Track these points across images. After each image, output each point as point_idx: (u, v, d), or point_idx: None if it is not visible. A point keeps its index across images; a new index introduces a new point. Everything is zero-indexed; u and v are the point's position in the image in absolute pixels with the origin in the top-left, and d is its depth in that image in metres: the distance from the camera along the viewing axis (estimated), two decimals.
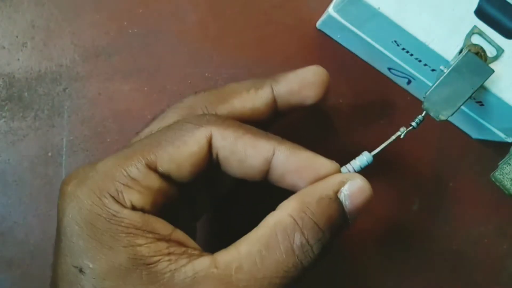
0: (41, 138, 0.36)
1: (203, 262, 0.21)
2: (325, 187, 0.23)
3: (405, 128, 0.27)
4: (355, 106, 0.37)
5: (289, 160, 0.23)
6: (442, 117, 0.28)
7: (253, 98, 0.26)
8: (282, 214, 0.22)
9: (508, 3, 0.29)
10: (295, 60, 0.37)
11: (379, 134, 0.37)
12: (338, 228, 0.23)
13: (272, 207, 0.23)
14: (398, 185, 0.38)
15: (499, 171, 0.37)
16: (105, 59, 0.36)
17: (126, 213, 0.21)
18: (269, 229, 0.22)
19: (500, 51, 0.28)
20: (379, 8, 0.28)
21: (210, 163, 0.24)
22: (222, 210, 0.36)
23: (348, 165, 0.25)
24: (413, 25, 0.28)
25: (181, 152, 0.23)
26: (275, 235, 0.21)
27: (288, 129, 0.37)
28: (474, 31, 0.28)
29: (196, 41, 0.36)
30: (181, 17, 0.36)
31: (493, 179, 0.38)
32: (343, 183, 0.23)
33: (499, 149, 0.38)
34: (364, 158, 0.26)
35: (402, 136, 0.28)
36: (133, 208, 0.21)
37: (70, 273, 0.20)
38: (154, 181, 0.22)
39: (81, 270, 0.20)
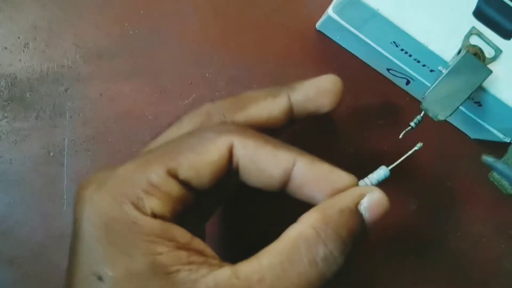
0: (43, 138, 0.36)
1: (224, 273, 0.21)
2: (346, 200, 0.23)
3: (421, 144, 0.27)
4: (354, 106, 0.38)
5: (309, 172, 0.23)
6: (441, 117, 0.28)
7: (270, 106, 0.26)
8: (304, 226, 0.22)
9: (506, 4, 0.29)
10: (295, 60, 0.37)
11: (378, 134, 0.38)
12: (359, 240, 0.23)
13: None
14: (396, 185, 0.38)
15: None
16: (106, 60, 0.36)
17: (147, 220, 0.20)
18: (291, 241, 0.22)
19: (498, 52, 0.29)
20: (378, 9, 0.28)
21: (229, 172, 0.24)
22: (227, 210, 0.36)
23: (366, 179, 0.26)
24: (412, 26, 0.28)
25: (202, 159, 0.22)
26: (297, 248, 0.21)
27: (288, 129, 0.37)
28: (472, 32, 0.28)
29: (197, 42, 0.37)
30: (182, 18, 0.37)
31: (492, 179, 0.38)
32: (362, 196, 0.23)
33: (497, 149, 0.38)
34: (381, 172, 0.26)
35: (401, 137, 0.28)
36: (153, 215, 0.21)
37: (88, 280, 0.20)
38: (174, 188, 0.22)
39: (100, 278, 0.20)
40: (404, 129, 0.28)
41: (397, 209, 0.38)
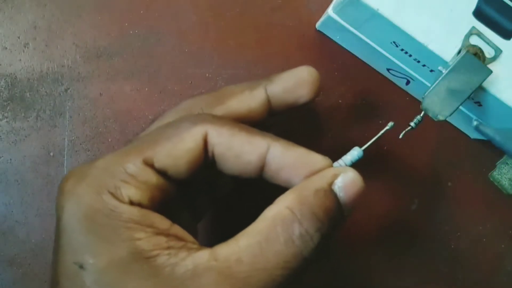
0: (43, 138, 0.36)
1: (203, 255, 0.21)
2: (320, 181, 0.23)
3: (393, 123, 0.27)
4: (354, 106, 0.38)
5: (284, 156, 0.24)
6: (441, 117, 0.28)
7: (248, 99, 0.27)
8: (280, 207, 0.23)
9: (506, 4, 0.29)
10: (295, 60, 0.37)
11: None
12: (336, 219, 0.23)
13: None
14: (397, 185, 0.38)
15: (497, 170, 0.37)
16: (106, 59, 0.36)
17: (125, 208, 0.21)
18: (267, 222, 0.22)
19: (498, 52, 0.29)
20: (378, 9, 0.28)
21: (206, 161, 0.24)
22: (221, 212, 0.36)
23: (340, 160, 0.26)
24: (412, 26, 0.28)
25: (177, 148, 0.23)
26: (274, 227, 0.22)
27: (288, 130, 0.37)
28: (472, 32, 0.28)
29: (196, 41, 0.37)
30: (181, 18, 0.37)
31: (491, 179, 0.38)
32: (336, 176, 0.24)
33: (497, 149, 0.38)
34: (355, 153, 0.26)
35: (401, 137, 0.28)
36: (131, 203, 0.21)
37: (70, 269, 0.20)
38: (151, 177, 0.22)
39: (81, 266, 0.20)
40: (404, 129, 0.28)
41: (397, 208, 0.38)
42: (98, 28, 0.36)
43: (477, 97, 0.30)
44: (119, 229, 0.21)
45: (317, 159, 0.24)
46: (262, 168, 0.24)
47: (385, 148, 0.38)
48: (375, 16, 0.29)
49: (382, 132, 0.27)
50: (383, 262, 0.38)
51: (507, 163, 0.37)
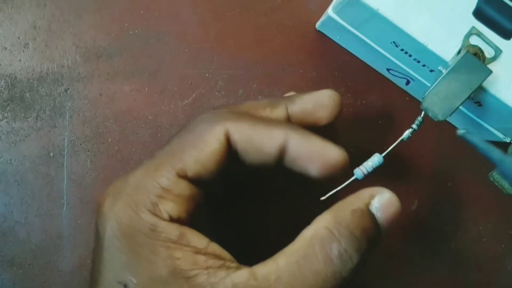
0: (43, 138, 0.36)
1: (242, 275, 0.21)
2: (357, 201, 0.23)
3: (410, 131, 0.27)
4: (354, 106, 0.38)
5: (302, 146, 0.24)
6: (441, 117, 0.28)
7: (269, 116, 0.27)
8: (318, 226, 0.22)
9: (506, 4, 0.29)
10: (295, 61, 0.37)
11: (379, 134, 0.38)
12: (373, 240, 0.23)
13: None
14: (397, 184, 0.38)
15: (497, 170, 0.37)
16: (106, 59, 0.36)
17: (164, 226, 0.21)
18: (306, 241, 0.22)
19: (498, 51, 0.29)
20: (378, 9, 0.28)
21: (230, 157, 0.24)
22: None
23: (361, 167, 0.26)
24: (411, 26, 0.28)
25: (204, 153, 0.23)
26: (312, 246, 0.22)
27: None
28: (472, 32, 0.28)
29: (196, 42, 0.37)
30: (181, 18, 0.37)
31: (492, 179, 0.38)
32: (372, 196, 0.24)
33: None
34: (375, 159, 0.26)
35: (405, 139, 0.28)
36: (170, 219, 0.22)
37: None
38: (185, 188, 0.23)
39: (125, 286, 0.21)
40: (405, 130, 0.28)
41: None
42: (98, 28, 0.36)
43: (477, 97, 0.30)
44: (158, 248, 0.21)
45: (333, 152, 0.25)
46: (282, 157, 0.25)
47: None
48: (375, 16, 0.29)
49: (400, 138, 0.27)
50: (382, 262, 0.38)
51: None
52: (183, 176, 0.23)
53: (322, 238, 0.22)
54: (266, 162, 0.25)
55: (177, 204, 0.22)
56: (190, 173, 0.23)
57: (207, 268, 0.21)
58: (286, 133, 0.24)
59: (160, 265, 0.21)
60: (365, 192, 0.24)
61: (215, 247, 0.22)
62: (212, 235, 0.25)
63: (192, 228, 0.22)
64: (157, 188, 0.22)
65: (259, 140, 0.24)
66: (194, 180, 0.23)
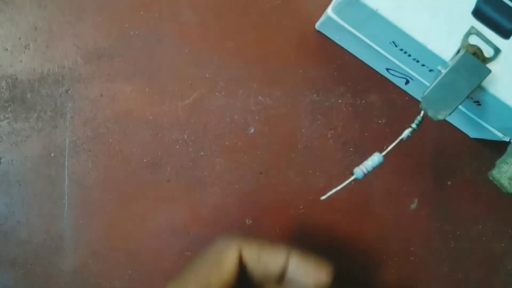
0: (44, 139, 0.36)
1: None
2: None
3: (409, 130, 0.28)
4: (354, 106, 0.38)
5: (298, 268, 0.28)
6: (440, 117, 0.28)
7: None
8: None
9: (505, 3, 0.29)
10: (295, 60, 0.37)
11: (378, 133, 0.38)
12: None
13: None
14: (397, 184, 0.38)
15: (496, 169, 0.37)
16: (107, 60, 0.36)
17: None
18: None
19: (497, 51, 0.29)
20: (377, 9, 0.28)
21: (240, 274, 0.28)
22: None
23: (361, 166, 0.26)
24: (411, 26, 0.28)
25: (225, 271, 0.27)
26: None
27: (288, 130, 0.37)
28: (471, 31, 0.29)
29: (196, 42, 0.37)
30: (181, 19, 0.37)
31: (491, 178, 0.38)
32: None
33: (496, 148, 0.38)
34: (375, 159, 0.26)
35: (405, 138, 0.28)
36: None
37: None
38: None
39: None
40: (405, 129, 0.28)
41: (397, 207, 0.38)
42: (98, 29, 0.36)
43: (476, 96, 0.30)
44: None
45: (324, 272, 0.28)
46: (283, 273, 0.28)
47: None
48: (374, 16, 0.29)
49: (399, 138, 0.27)
50: (382, 262, 0.38)
51: (506, 162, 0.37)
52: None
53: None
54: (270, 279, 0.29)
55: None
56: None
57: None
58: (287, 256, 0.28)
59: None
60: None
61: None
62: None
63: None
64: None
65: (265, 260, 0.28)
66: None
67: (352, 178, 0.26)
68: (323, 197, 0.27)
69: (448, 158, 0.38)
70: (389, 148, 0.27)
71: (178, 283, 0.28)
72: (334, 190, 0.26)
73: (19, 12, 0.36)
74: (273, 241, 0.30)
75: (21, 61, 0.36)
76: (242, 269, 0.29)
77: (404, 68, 0.34)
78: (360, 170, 0.26)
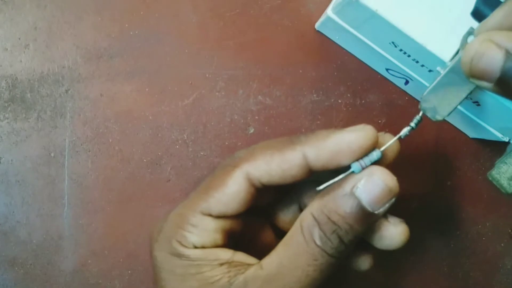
0: (44, 138, 0.36)
1: (252, 268, 0.26)
2: (344, 186, 0.25)
3: (408, 129, 0.28)
4: (354, 106, 0.38)
5: (321, 155, 0.26)
6: (439, 117, 0.28)
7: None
8: (306, 213, 0.26)
9: None
10: (295, 61, 0.37)
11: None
12: (358, 220, 0.25)
13: None
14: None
15: (496, 170, 0.37)
16: (106, 60, 0.36)
17: (190, 252, 0.27)
18: (297, 228, 0.26)
19: None
20: (377, 10, 0.28)
21: (257, 190, 0.27)
22: None
23: (360, 161, 0.26)
24: (410, 26, 0.28)
25: (226, 194, 0.27)
26: (301, 233, 0.26)
27: (288, 130, 0.37)
28: (470, 32, 0.29)
29: (196, 42, 0.37)
30: (181, 19, 0.37)
31: (490, 178, 0.38)
32: (359, 180, 0.25)
33: (495, 148, 0.38)
34: (374, 154, 0.26)
35: (403, 136, 0.28)
36: (195, 247, 0.27)
37: None
38: (210, 224, 0.27)
39: None
40: (404, 129, 0.28)
41: (396, 207, 0.38)
42: (98, 29, 0.36)
43: (476, 96, 0.30)
44: (189, 267, 0.26)
45: (350, 138, 0.25)
46: (309, 169, 0.26)
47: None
48: (374, 16, 0.29)
49: (398, 136, 0.27)
50: (382, 262, 0.38)
51: (505, 162, 0.37)
52: (207, 214, 0.27)
53: (308, 224, 0.26)
54: (296, 180, 0.27)
55: (201, 237, 0.27)
56: (214, 212, 0.27)
57: (229, 272, 0.26)
58: (301, 152, 0.26)
59: (190, 279, 0.26)
60: (355, 176, 0.25)
61: (239, 256, 0.27)
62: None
63: (230, 248, 0.27)
64: (186, 224, 0.27)
65: (279, 170, 0.26)
66: (221, 216, 0.27)
67: (349, 171, 0.26)
68: (319, 188, 0.27)
69: (447, 158, 0.38)
70: (388, 144, 0.27)
71: (184, 206, 0.28)
72: (330, 182, 0.26)
73: (19, 12, 0.36)
74: (280, 146, 0.27)
75: (21, 61, 0.36)
76: (259, 188, 0.27)
77: (403, 69, 0.34)
78: (358, 164, 0.26)
